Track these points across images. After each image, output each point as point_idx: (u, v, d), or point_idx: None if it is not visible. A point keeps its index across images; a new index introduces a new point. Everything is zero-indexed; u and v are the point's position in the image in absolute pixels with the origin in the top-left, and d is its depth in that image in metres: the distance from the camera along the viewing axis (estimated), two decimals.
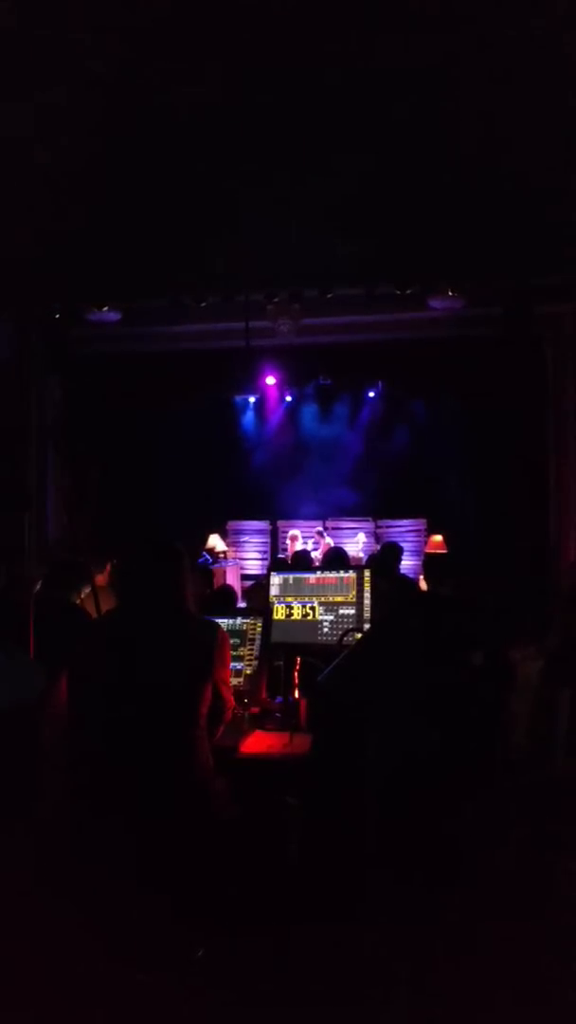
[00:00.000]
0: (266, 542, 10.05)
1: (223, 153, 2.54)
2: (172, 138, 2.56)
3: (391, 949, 2.58)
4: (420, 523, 9.62)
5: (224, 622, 3.20)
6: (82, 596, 3.71)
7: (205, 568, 6.94)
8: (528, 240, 3.39)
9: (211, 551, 8.94)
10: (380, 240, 3.43)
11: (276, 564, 7.30)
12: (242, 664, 3.45)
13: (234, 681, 3.17)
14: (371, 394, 9.95)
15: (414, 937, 2.58)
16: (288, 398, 10.09)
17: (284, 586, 3.75)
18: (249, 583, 7.65)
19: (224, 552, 9.33)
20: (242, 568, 9.48)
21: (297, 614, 3.68)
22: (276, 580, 3.78)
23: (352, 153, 2.57)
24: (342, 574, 3.71)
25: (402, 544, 7.98)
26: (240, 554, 9.95)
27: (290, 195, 2.86)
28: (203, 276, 4.56)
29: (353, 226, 3.16)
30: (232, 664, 3.04)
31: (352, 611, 3.61)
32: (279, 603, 3.71)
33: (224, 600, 5.33)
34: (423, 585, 7.42)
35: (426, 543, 9.20)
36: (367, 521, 9.80)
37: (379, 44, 2.00)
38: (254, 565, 9.65)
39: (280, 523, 9.99)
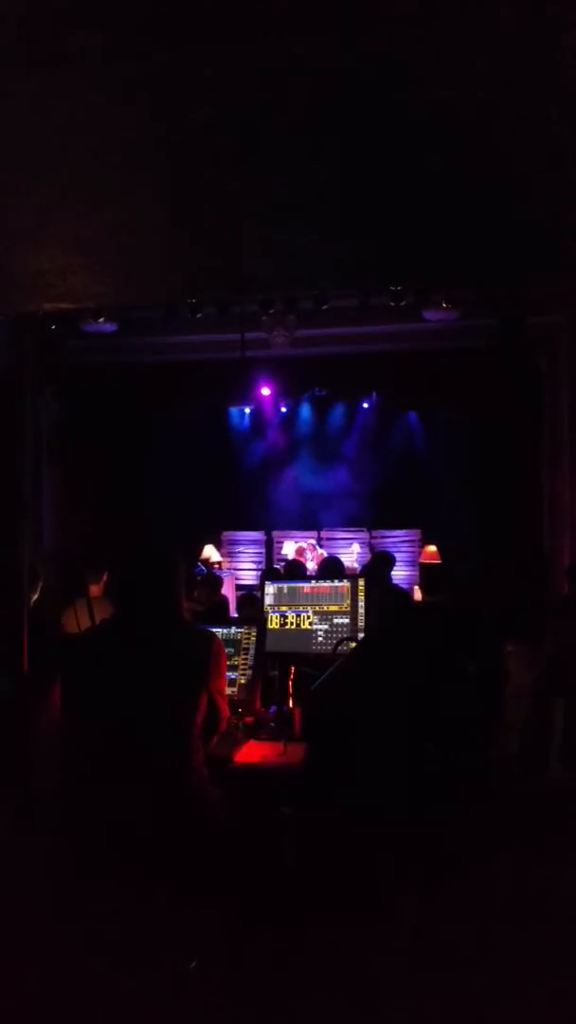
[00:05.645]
0: (261, 552, 10.05)
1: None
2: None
3: (388, 957, 2.58)
4: (414, 534, 9.63)
5: (218, 631, 3.21)
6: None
7: (214, 576, 6.94)
8: (523, 250, 3.41)
9: (206, 561, 8.94)
10: (375, 249, 3.44)
11: (269, 573, 7.30)
12: (236, 673, 3.45)
13: (228, 691, 3.17)
14: (365, 405, 9.98)
15: (411, 945, 2.58)
16: (283, 409, 10.12)
17: (278, 595, 3.75)
18: (243, 593, 7.65)
19: (219, 562, 9.32)
20: (236, 578, 9.48)
21: (291, 623, 3.68)
22: (270, 590, 3.79)
23: (346, 160, 2.59)
24: (336, 583, 3.71)
25: (396, 555, 7.98)
26: (234, 564, 9.95)
27: (284, 202, 2.86)
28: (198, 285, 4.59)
29: (348, 233, 3.17)
30: (227, 674, 3.04)
31: (346, 620, 3.62)
32: (273, 612, 3.72)
33: (217, 610, 5.34)
34: (417, 595, 7.46)
35: (420, 554, 9.21)
36: (362, 532, 9.81)
37: (375, 42, 2.00)
38: (248, 575, 9.65)
39: (275, 533, 10.00)
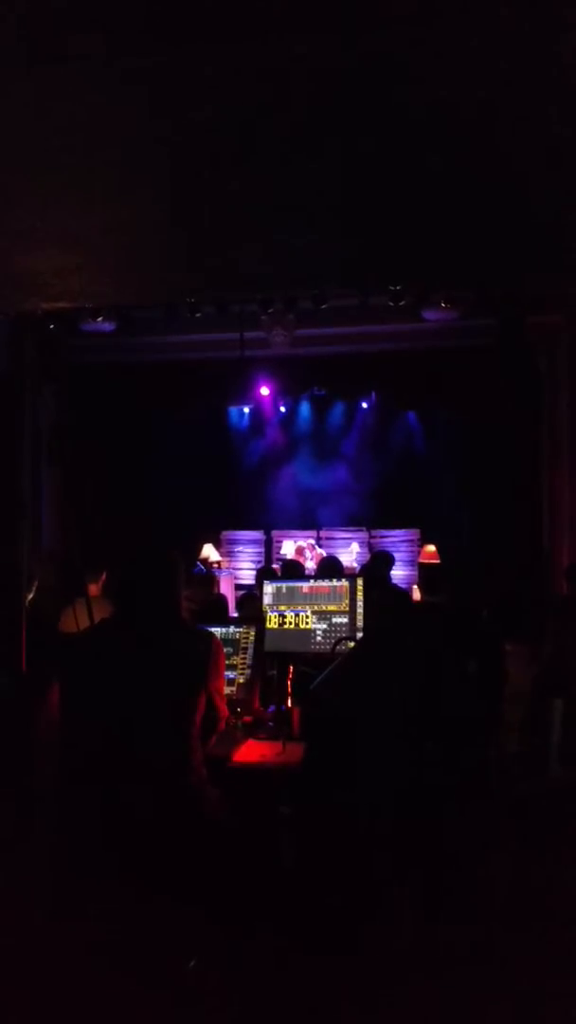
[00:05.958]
0: (260, 552, 10.05)
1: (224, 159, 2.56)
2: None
3: (388, 956, 2.58)
4: (413, 533, 9.63)
5: (217, 631, 3.20)
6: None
7: (209, 574, 6.94)
8: (523, 250, 3.41)
9: (205, 561, 8.93)
10: (375, 249, 3.45)
11: (265, 573, 7.29)
12: (235, 673, 3.45)
13: (227, 690, 3.17)
14: (365, 405, 9.98)
15: (410, 946, 2.58)
16: (282, 408, 10.12)
17: (277, 595, 3.75)
18: (243, 592, 7.64)
19: (218, 562, 9.32)
20: (236, 578, 9.47)
21: (290, 623, 3.68)
22: (269, 589, 3.79)
23: (346, 160, 2.59)
24: (335, 583, 3.71)
25: (395, 554, 7.98)
26: (234, 564, 9.95)
27: (284, 202, 2.86)
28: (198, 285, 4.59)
29: (348, 233, 3.18)
30: (225, 673, 3.04)
31: (345, 620, 3.61)
32: (272, 612, 3.71)
33: (216, 609, 5.33)
34: (417, 595, 7.46)
35: (419, 553, 9.21)
36: (361, 531, 9.80)
37: (370, 43, 2.00)
38: (248, 575, 9.65)
39: (274, 533, 10.00)
